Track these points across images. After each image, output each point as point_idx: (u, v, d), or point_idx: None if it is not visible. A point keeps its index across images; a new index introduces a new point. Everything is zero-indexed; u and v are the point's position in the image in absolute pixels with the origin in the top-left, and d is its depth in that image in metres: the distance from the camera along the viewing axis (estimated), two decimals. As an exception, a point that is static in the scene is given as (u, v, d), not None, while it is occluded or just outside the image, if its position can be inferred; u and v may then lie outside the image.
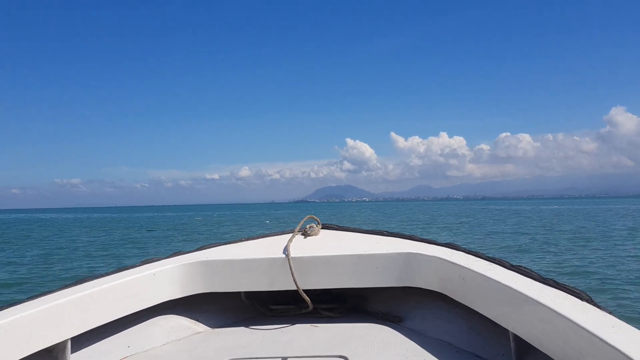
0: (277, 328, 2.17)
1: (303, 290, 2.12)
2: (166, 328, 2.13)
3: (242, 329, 2.21)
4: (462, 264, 1.90)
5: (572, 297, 1.51)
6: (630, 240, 21.50)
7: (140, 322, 2.08)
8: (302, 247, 2.25)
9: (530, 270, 1.77)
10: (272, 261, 2.15)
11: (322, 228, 2.61)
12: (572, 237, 23.69)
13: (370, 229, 2.59)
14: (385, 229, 2.58)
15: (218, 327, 2.25)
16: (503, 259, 1.95)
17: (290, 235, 2.39)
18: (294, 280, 2.09)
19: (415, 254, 2.10)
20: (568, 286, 1.59)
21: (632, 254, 16.48)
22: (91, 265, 16.86)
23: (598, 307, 1.45)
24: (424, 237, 2.36)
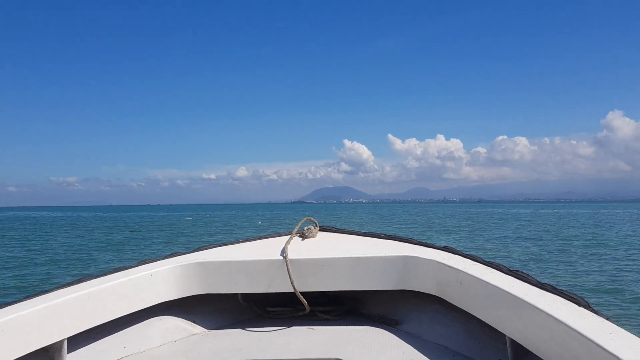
0: (273, 330, 2.16)
1: (300, 292, 2.11)
2: (162, 329, 2.12)
3: (238, 330, 2.20)
4: (459, 267, 1.90)
5: (569, 302, 1.51)
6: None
7: (137, 323, 2.07)
8: (300, 249, 2.25)
9: (528, 275, 1.77)
10: (270, 263, 2.14)
11: (319, 230, 2.60)
12: (586, 244, 21.97)
13: (367, 231, 2.58)
14: (383, 232, 2.57)
15: (214, 329, 2.24)
16: (501, 263, 1.94)
17: (288, 237, 2.39)
18: (291, 283, 2.08)
19: (413, 257, 2.09)
20: (565, 291, 1.58)
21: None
22: (49, 274, 14.94)
23: (595, 312, 1.44)
24: (422, 240, 2.35)
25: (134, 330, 2.05)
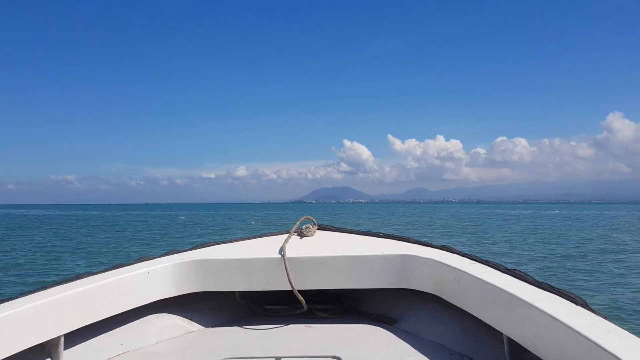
0: (271, 328, 2.17)
1: (298, 290, 2.12)
2: (159, 326, 2.13)
3: (236, 328, 2.21)
4: (457, 266, 1.91)
5: (567, 301, 1.51)
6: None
7: (134, 320, 2.08)
8: (298, 247, 2.26)
9: (525, 273, 1.78)
10: (268, 261, 2.15)
11: (318, 229, 2.62)
12: (604, 249, 20.14)
13: (366, 230, 2.60)
14: (381, 231, 2.59)
15: (212, 327, 2.25)
16: (498, 262, 1.95)
17: (287, 235, 2.41)
18: (289, 281, 2.10)
19: (411, 255, 2.11)
20: (563, 290, 1.59)
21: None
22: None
23: (593, 311, 1.44)
24: (420, 239, 2.37)
25: (131, 328, 2.04)
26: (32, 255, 19.39)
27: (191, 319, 2.25)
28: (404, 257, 2.12)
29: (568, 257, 17.51)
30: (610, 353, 1.15)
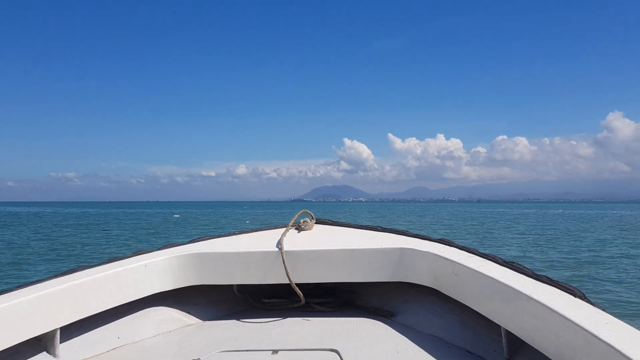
0: (269, 321, 2.17)
1: (295, 284, 2.12)
2: (157, 320, 2.12)
3: (233, 321, 2.20)
4: (455, 259, 1.91)
5: (565, 293, 1.50)
6: None
7: (131, 314, 2.07)
8: (296, 241, 2.26)
9: (524, 266, 1.77)
10: (265, 254, 2.15)
11: (316, 223, 2.60)
12: (629, 253, 18.20)
13: (364, 224, 2.58)
14: (379, 225, 2.57)
15: (209, 320, 2.23)
16: (496, 255, 1.94)
17: (284, 229, 2.39)
18: (287, 274, 2.10)
19: (409, 249, 2.10)
20: (561, 283, 1.58)
21: None
22: None
23: (591, 303, 1.44)
24: (417, 233, 2.35)
25: (127, 321, 2.03)
26: (-6, 258, 17.48)
27: (189, 312, 2.23)
28: (402, 251, 2.10)
29: (593, 264, 15.59)
30: (607, 344, 1.16)
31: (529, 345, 1.48)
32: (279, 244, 2.18)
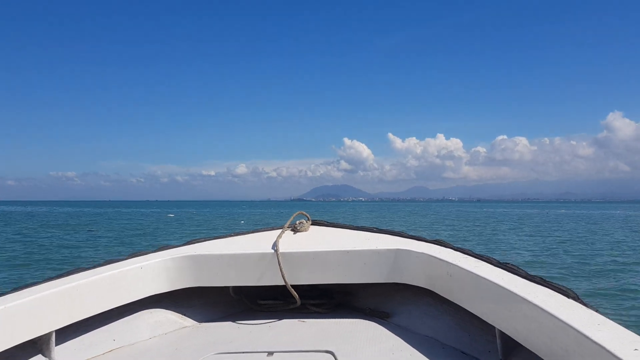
0: (264, 323, 2.18)
1: (291, 285, 2.13)
2: (152, 322, 2.12)
3: (229, 323, 2.21)
4: (449, 260, 1.91)
5: (558, 294, 1.51)
6: None
7: (127, 316, 2.06)
8: (291, 242, 2.26)
9: (518, 267, 1.78)
10: (261, 256, 2.15)
11: (311, 224, 2.61)
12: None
13: (359, 225, 2.58)
14: (375, 226, 2.57)
15: (205, 322, 2.24)
16: (491, 256, 1.95)
17: (280, 230, 2.40)
18: (282, 276, 2.10)
19: (404, 250, 2.11)
20: (555, 284, 1.59)
21: None
22: None
23: (584, 304, 1.45)
24: (412, 234, 2.36)
25: (123, 323, 2.03)
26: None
27: (184, 314, 2.22)
28: (397, 252, 2.11)
29: (617, 271, 14.05)
30: (599, 345, 1.16)
31: (523, 346, 1.48)
32: (275, 245, 2.17)
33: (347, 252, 2.11)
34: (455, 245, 2.16)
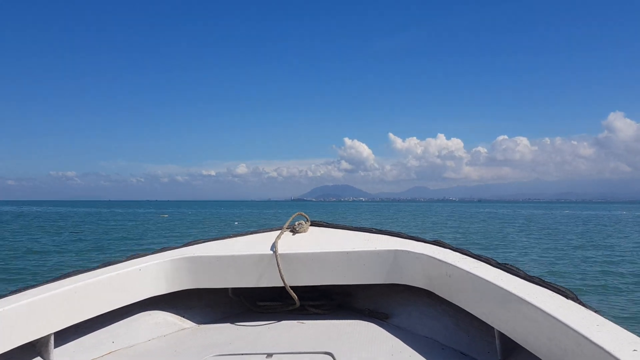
0: (263, 324, 2.18)
1: (290, 286, 2.13)
2: (151, 324, 2.12)
3: (228, 325, 2.21)
4: (448, 261, 1.91)
5: (557, 295, 1.52)
6: None
7: (126, 318, 2.07)
8: (290, 243, 2.25)
9: (517, 268, 1.78)
10: (260, 257, 2.15)
11: (310, 225, 2.60)
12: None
13: (358, 226, 2.57)
14: (374, 227, 2.56)
15: (204, 324, 2.24)
16: (490, 257, 1.94)
17: (279, 231, 2.39)
18: (281, 277, 2.10)
19: (403, 251, 2.11)
20: (554, 284, 1.59)
21: None
22: None
23: (584, 305, 1.45)
24: (412, 234, 2.35)
25: (122, 325, 2.03)
26: None
27: (183, 316, 2.22)
28: (396, 253, 2.10)
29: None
30: (598, 346, 1.17)
31: (522, 347, 1.48)
32: (274, 246, 2.16)
33: (347, 253, 2.11)
34: (455, 246, 2.12)
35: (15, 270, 14.65)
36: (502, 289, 1.57)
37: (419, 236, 2.33)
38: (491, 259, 1.89)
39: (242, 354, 1.82)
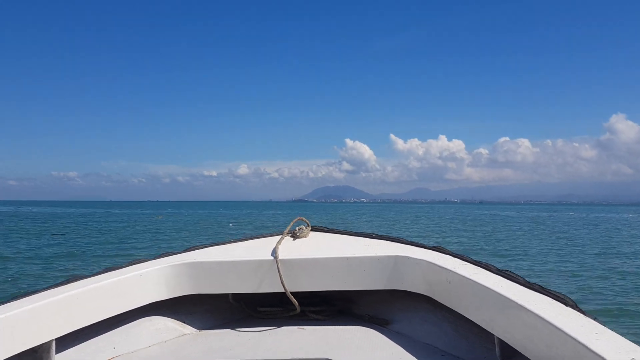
0: (264, 330, 2.19)
1: (291, 292, 2.13)
2: (152, 329, 2.13)
3: (229, 330, 2.22)
4: (448, 267, 1.92)
5: (556, 302, 1.52)
6: None
7: (126, 323, 2.07)
8: (291, 249, 2.27)
9: (516, 275, 1.78)
10: (260, 263, 2.16)
11: (311, 230, 2.61)
12: None
13: (359, 231, 2.59)
14: (375, 232, 2.56)
15: (205, 329, 2.25)
16: (490, 263, 1.94)
17: (279, 237, 2.40)
18: (282, 283, 2.10)
19: (403, 257, 2.12)
20: (553, 291, 1.59)
21: None
22: None
23: (582, 313, 1.46)
24: (412, 240, 2.37)
25: (123, 331, 2.04)
26: None
27: (184, 322, 2.23)
28: (397, 259, 2.11)
29: None
30: (596, 354, 1.17)
31: (522, 354, 1.49)
32: (274, 252, 2.17)
33: (347, 258, 2.11)
34: (456, 252, 2.13)
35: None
36: (501, 295, 1.57)
37: (420, 242, 2.33)
38: (491, 265, 1.89)
39: None
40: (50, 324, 1.67)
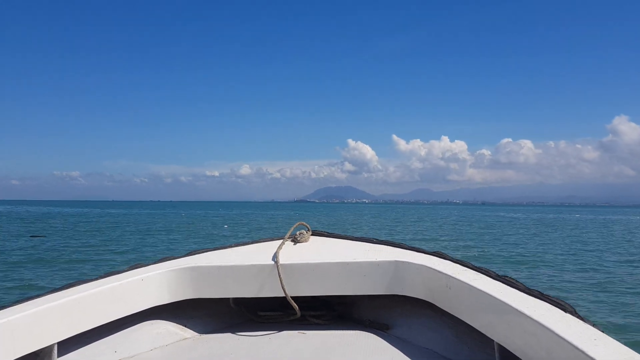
0: (264, 335, 2.20)
1: (291, 297, 2.15)
2: (153, 334, 2.13)
3: (229, 335, 2.23)
4: (448, 273, 1.92)
5: (556, 308, 1.53)
6: None
7: (128, 328, 2.08)
8: (291, 253, 2.27)
9: (516, 280, 1.79)
10: (261, 267, 2.17)
11: (312, 235, 2.62)
12: None
13: (360, 236, 2.60)
14: (375, 237, 2.56)
15: (206, 333, 2.26)
16: (490, 269, 1.95)
17: (280, 241, 2.41)
18: (282, 287, 2.11)
19: (403, 262, 2.12)
20: (552, 297, 1.60)
21: None
22: None
23: (582, 319, 1.47)
24: (413, 245, 2.37)
25: (124, 335, 2.05)
26: None
27: (185, 326, 2.24)
28: (397, 264, 2.12)
29: None
30: None
31: None
32: (275, 256, 2.18)
33: (347, 263, 2.12)
34: (456, 257, 2.13)
35: None
36: (501, 301, 1.58)
37: (421, 247, 2.33)
38: (490, 270, 1.90)
39: None
40: (51, 327, 1.68)
